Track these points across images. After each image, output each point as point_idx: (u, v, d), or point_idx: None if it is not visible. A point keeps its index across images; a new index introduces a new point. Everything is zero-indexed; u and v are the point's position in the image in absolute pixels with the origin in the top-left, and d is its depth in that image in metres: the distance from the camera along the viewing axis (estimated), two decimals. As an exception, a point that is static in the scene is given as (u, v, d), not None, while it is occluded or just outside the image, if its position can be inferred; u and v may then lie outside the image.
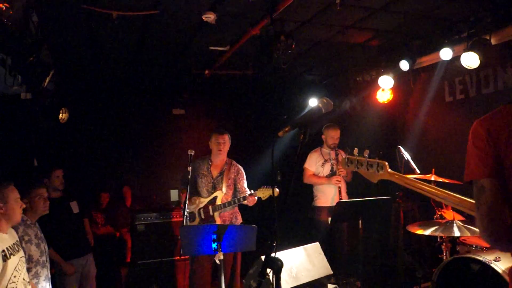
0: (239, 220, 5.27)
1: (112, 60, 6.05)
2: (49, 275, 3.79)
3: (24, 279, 2.93)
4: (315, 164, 5.96)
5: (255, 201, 4.86)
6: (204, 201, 5.09)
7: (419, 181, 2.25)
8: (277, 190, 4.69)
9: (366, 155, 2.38)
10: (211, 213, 5.01)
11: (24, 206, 3.06)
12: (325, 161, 5.92)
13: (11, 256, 2.81)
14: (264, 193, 4.79)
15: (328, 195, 5.81)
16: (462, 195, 2.03)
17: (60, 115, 5.74)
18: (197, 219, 5.10)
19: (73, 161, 6.96)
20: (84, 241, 4.97)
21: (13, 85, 4.37)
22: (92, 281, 4.92)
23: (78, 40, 5.12)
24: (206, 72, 6.26)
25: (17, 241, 3.04)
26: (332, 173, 5.82)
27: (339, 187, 5.67)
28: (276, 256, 2.11)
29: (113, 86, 7.42)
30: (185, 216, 4.41)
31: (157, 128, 8.18)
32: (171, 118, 8.26)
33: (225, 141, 5.12)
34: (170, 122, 8.26)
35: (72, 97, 6.54)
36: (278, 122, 8.47)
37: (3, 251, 2.76)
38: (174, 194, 8.08)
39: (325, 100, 2.21)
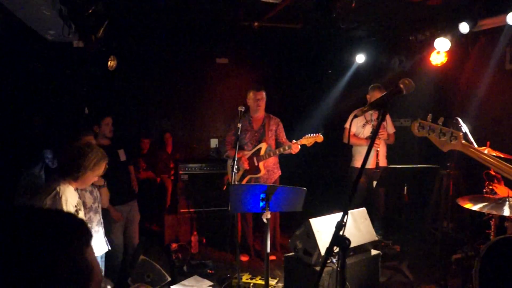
0: (279, 172, 5.59)
1: (160, 8, 5.94)
2: (101, 220, 3.96)
3: None
4: (356, 125, 5.89)
5: (299, 148, 5.13)
6: (248, 153, 5.39)
7: (496, 158, 2.20)
8: (321, 136, 5.09)
9: (440, 123, 2.34)
10: (256, 163, 5.34)
11: (96, 179, 3.14)
12: (366, 122, 5.82)
13: (79, 212, 2.92)
14: (308, 140, 5.10)
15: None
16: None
17: (109, 62, 5.77)
18: (241, 171, 5.39)
19: (119, 108, 7.06)
20: (129, 188, 5.11)
21: (68, 34, 4.38)
22: (135, 226, 5.10)
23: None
24: (255, 24, 6.09)
25: (82, 193, 3.17)
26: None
27: (377, 150, 5.62)
28: (345, 235, 2.12)
29: (159, 34, 7.34)
30: (234, 173, 4.49)
31: (200, 77, 8.17)
32: (214, 67, 8.20)
33: (263, 97, 5.44)
34: (212, 71, 8.22)
35: (120, 45, 6.53)
36: (323, 77, 8.32)
37: (75, 206, 2.87)
38: (214, 143, 8.19)
39: (406, 81, 2.11)
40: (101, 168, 3.04)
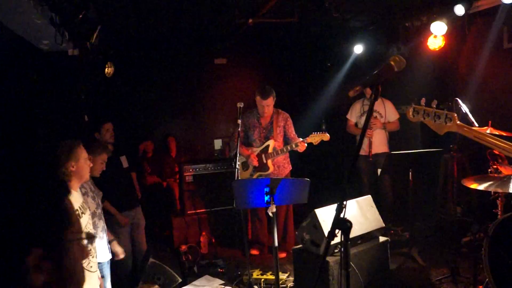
0: (289, 167, 5.55)
1: (154, 11, 5.95)
2: (105, 226, 3.95)
3: None
4: (355, 115, 6.13)
5: (305, 147, 5.15)
6: (257, 150, 5.38)
7: (490, 135, 2.19)
8: (327, 135, 5.09)
9: (434, 106, 2.33)
10: (264, 161, 5.32)
11: (91, 165, 3.09)
12: (364, 112, 6.03)
13: (83, 215, 2.90)
14: (315, 138, 5.11)
15: (363, 145, 5.91)
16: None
17: (106, 69, 5.78)
18: (250, 168, 5.39)
19: (120, 114, 7.08)
20: (133, 195, 5.11)
21: (62, 43, 4.38)
22: (142, 232, 5.09)
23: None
24: (250, 21, 6.08)
25: (84, 198, 3.13)
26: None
27: (370, 139, 5.81)
28: (345, 217, 2.10)
29: (155, 37, 7.36)
30: (236, 169, 4.48)
31: (199, 78, 8.18)
32: (213, 67, 8.21)
33: (269, 104, 5.29)
34: (211, 72, 8.22)
35: (116, 50, 6.54)
36: (322, 70, 8.31)
37: (77, 210, 2.84)
38: (217, 144, 8.18)
39: (397, 58, 2.10)
40: (81, 151, 2.94)
